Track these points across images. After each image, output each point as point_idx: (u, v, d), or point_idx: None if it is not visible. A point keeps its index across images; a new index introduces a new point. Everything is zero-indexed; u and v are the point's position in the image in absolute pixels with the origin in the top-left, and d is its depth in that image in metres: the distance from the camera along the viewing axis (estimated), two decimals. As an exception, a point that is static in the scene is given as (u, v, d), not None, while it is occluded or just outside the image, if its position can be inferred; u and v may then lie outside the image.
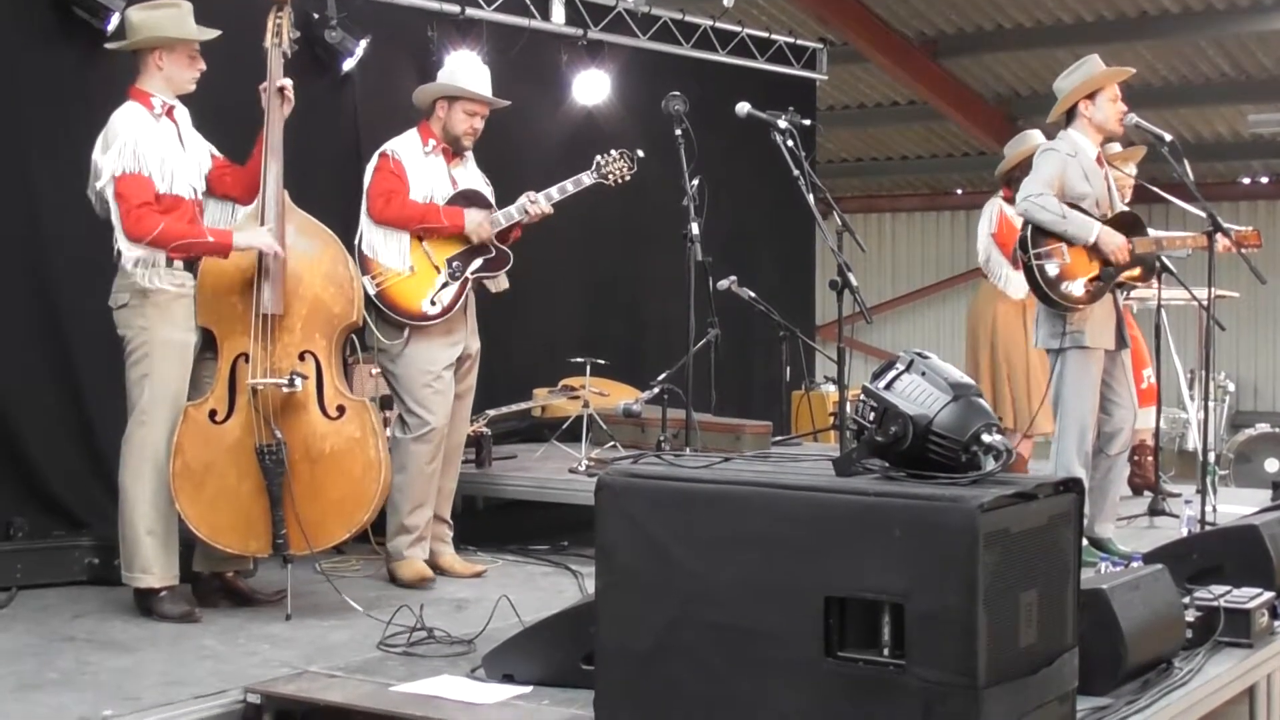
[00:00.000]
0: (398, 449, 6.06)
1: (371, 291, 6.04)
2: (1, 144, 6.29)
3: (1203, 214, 6.47)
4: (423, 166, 6.20)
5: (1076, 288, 6.27)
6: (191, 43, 5.50)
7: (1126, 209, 6.62)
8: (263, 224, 5.47)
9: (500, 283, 6.36)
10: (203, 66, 5.56)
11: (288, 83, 5.59)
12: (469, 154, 6.36)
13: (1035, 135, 8.10)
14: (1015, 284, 7.99)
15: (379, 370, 6.33)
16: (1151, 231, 6.58)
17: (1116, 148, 7.99)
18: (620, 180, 6.49)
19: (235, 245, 5.40)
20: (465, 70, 6.37)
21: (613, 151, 6.49)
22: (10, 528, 6.09)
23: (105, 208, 5.38)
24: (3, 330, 6.24)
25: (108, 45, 5.69)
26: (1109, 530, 6.54)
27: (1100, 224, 6.28)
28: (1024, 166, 7.81)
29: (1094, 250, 6.27)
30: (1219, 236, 6.45)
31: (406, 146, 6.22)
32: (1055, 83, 6.55)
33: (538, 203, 6.26)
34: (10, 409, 6.23)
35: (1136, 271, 6.43)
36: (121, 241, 5.34)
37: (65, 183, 5.72)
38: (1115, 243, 6.27)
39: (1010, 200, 7.95)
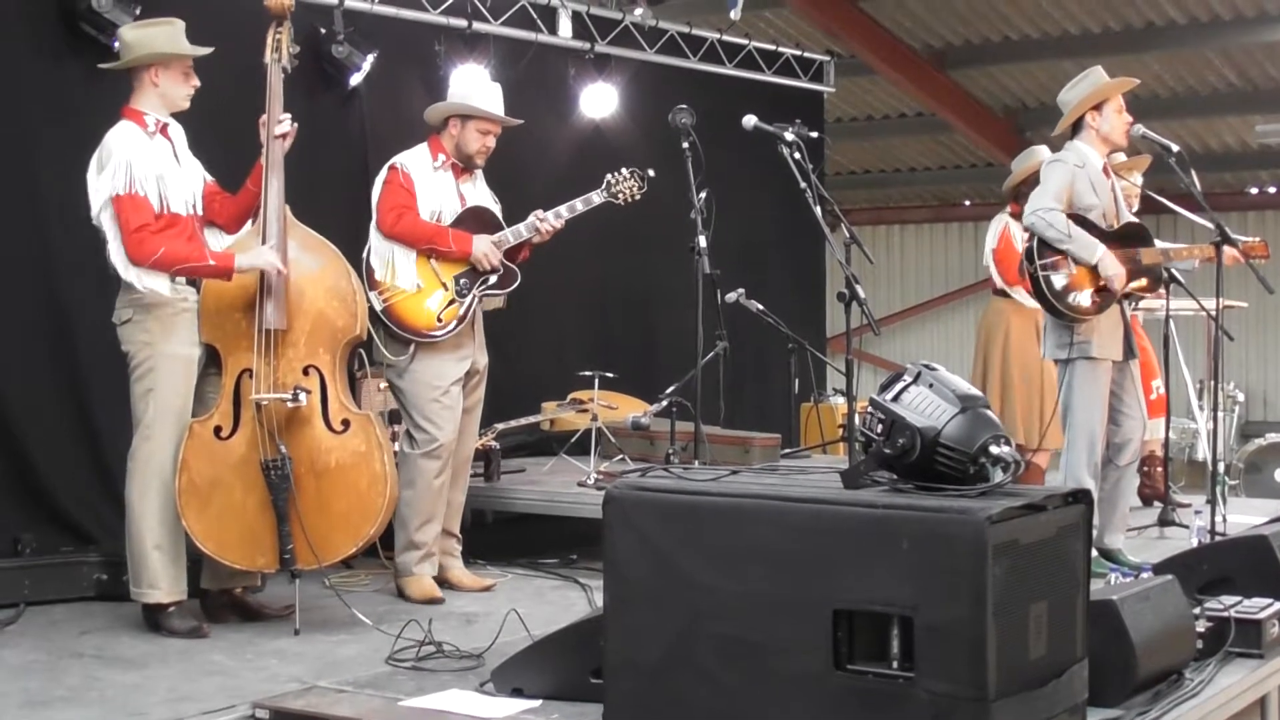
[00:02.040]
0: (405, 464, 6.06)
1: (378, 307, 6.04)
2: (10, 161, 6.32)
3: (1211, 225, 6.46)
4: (431, 182, 6.20)
5: (1083, 299, 6.25)
6: (185, 59, 5.51)
7: (1133, 220, 6.61)
8: (264, 241, 5.47)
9: (494, 301, 6.35)
10: (197, 83, 5.57)
11: (290, 124, 5.56)
12: (479, 170, 6.36)
13: (1042, 150, 8.10)
14: (1018, 294, 8.05)
15: (387, 385, 6.33)
16: (1159, 243, 6.57)
17: (1121, 157, 7.99)
18: (630, 199, 6.47)
19: (238, 268, 5.40)
20: (478, 89, 6.36)
21: (623, 170, 6.47)
22: (18, 543, 6.10)
23: (103, 231, 5.38)
24: (11, 346, 6.26)
25: (102, 66, 5.69)
26: (1119, 541, 6.52)
27: (1105, 248, 6.25)
28: (1030, 182, 7.81)
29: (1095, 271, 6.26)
30: (1227, 248, 6.43)
31: (416, 161, 6.23)
32: (1060, 95, 6.54)
33: (546, 220, 6.26)
34: (18, 425, 6.25)
35: (1144, 282, 6.43)
36: (120, 263, 5.35)
37: (73, 199, 5.72)
38: (1114, 271, 6.24)
39: (1017, 216, 7.94)
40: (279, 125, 5.53)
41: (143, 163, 5.37)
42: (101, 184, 5.35)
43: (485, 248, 6.16)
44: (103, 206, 5.36)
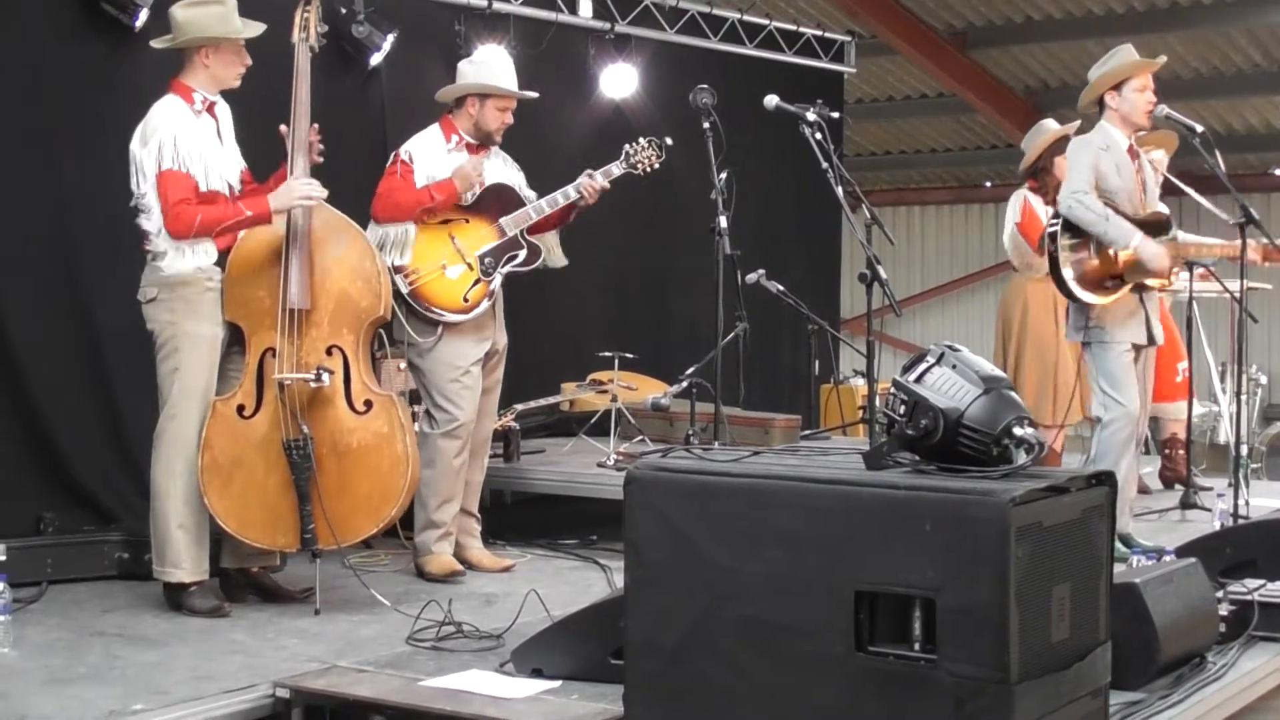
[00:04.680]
0: (425, 444, 6.06)
1: (404, 290, 6.02)
2: (30, 140, 6.31)
3: (1222, 214, 6.43)
4: (446, 164, 6.17)
5: (1095, 285, 6.24)
6: (237, 40, 5.50)
7: (1160, 209, 6.55)
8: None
9: (556, 259, 6.33)
10: (248, 62, 5.55)
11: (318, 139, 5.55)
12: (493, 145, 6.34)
13: (1049, 125, 8.09)
14: (1039, 267, 8.02)
15: (407, 365, 6.32)
16: (1182, 235, 6.52)
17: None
18: (649, 169, 6.44)
19: (274, 209, 5.39)
20: (494, 66, 6.34)
21: (641, 140, 6.44)
22: (41, 522, 6.12)
23: (144, 205, 5.38)
24: (33, 325, 6.26)
25: (154, 44, 5.63)
26: (1127, 525, 6.48)
27: (1141, 232, 6.22)
28: (1047, 157, 7.79)
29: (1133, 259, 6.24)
30: (1251, 245, 6.40)
31: (427, 145, 6.20)
32: (1089, 72, 6.51)
33: (567, 194, 6.22)
34: (40, 404, 6.26)
35: (1163, 280, 6.41)
36: (164, 239, 5.35)
37: (94, 178, 5.74)
38: (1153, 252, 6.21)
39: (1035, 190, 7.91)
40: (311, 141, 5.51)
41: (186, 139, 5.36)
42: (146, 158, 5.35)
43: (466, 169, 6.09)
44: (151, 185, 5.35)
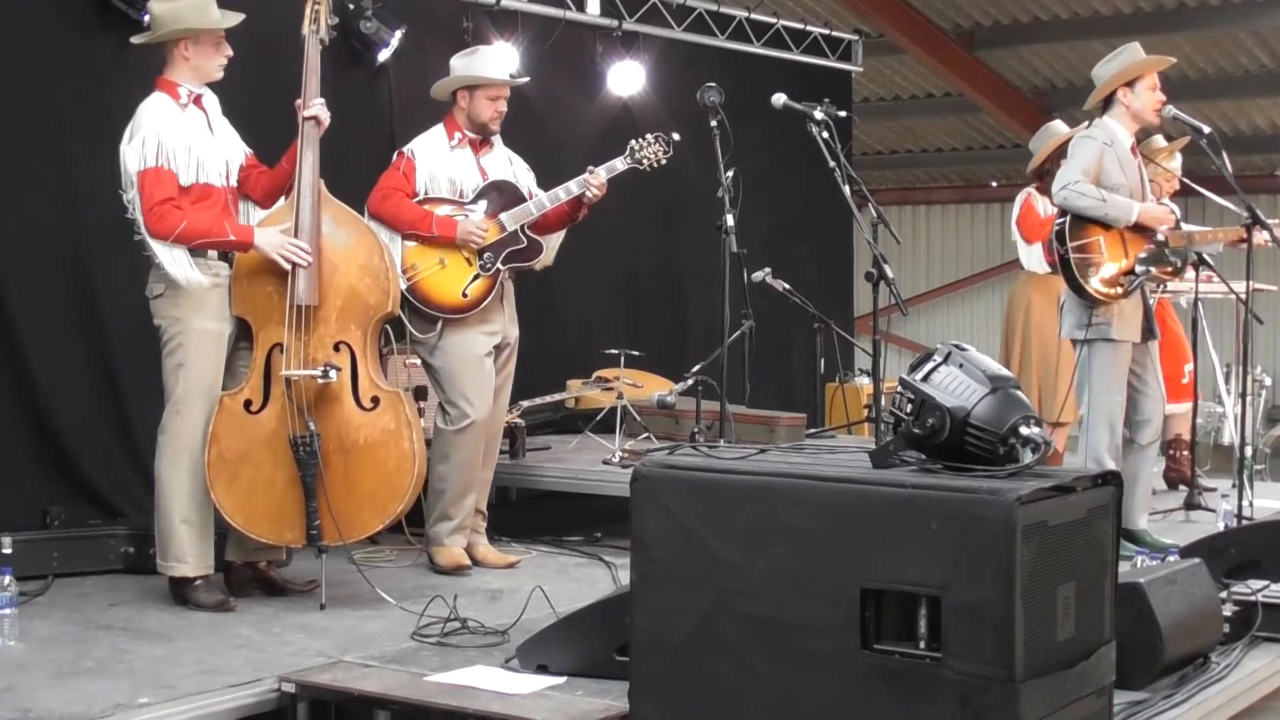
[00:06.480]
0: (440, 439, 6.06)
1: (403, 286, 6.01)
2: (40, 135, 6.33)
3: (1241, 209, 6.43)
4: (449, 161, 6.18)
5: (1110, 282, 6.24)
6: (216, 30, 5.48)
7: (1164, 203, 6.58)
8: (297, 216, 5.45)
9: (545, 258, 6.32)
10: (229, 52, 5.53)
11: (322, 110, 5.51)
12: (496, 139, 6.34)
13: (1058, 126, 8.08)
14: (1034, 258, 8.01)
15: (414, 361, 6.32)
16: (1185, 226, 6.54)
17: (1162, 141, 7.94)
18: (655, 165, 6.42)
19: (255, 244, 5.39)
20: (479, 56, 6.33)
21: (647, 136, 6.42)
22: (47, 516, 6.13)
23: (133, 207, 5.39)
24: (40, 320, 6.28)
25: (134, 40, 5.66)
26: (1143, 522, 6.49)
27: (1138, 202, 6.26)
28: (1054, 159, 7.79)
29: (1136, 230, 6.25)
30: (1259, 230, 6.41)
31: (431, 144, 6.20)
32: (1094, 69, 6.50)
33: (569, 189, 6.21)
34: (48, 398, 6.27)
35: (1170, 268, 6.41)
36: (145, 237, 5.35)
37: (104, 173, 5.73)
38: (1158, 214, 6.30)
39: (1042, 191, 7.91)
40: (310, 108, 5.50)
41: (172, 135, 5.35)
42: (130, 156, 5.35)
43: (470, 229, 6.10)
44: (131, 182, 5.36)
